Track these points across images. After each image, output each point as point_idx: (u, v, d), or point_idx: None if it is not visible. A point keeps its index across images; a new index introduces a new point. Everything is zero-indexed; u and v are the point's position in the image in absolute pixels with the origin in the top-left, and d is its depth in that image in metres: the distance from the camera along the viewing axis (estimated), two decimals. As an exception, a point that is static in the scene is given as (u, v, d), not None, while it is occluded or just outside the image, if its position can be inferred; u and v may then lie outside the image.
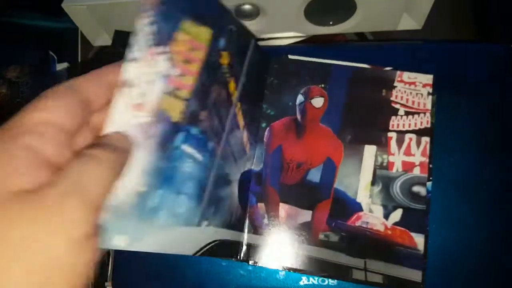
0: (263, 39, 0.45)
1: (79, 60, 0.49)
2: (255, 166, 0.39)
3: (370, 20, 0.43)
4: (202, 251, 0.32)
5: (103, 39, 0.46)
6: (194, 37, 0.31)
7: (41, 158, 0.20)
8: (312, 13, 0.42)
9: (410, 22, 0.43)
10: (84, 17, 0.42)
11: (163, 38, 0.28)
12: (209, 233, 0.33)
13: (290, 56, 0.41)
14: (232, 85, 0.36)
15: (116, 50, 0.44)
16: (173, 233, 0.30)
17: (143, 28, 0.27)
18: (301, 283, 0.38)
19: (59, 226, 0.18)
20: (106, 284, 0.43)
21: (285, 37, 0.45)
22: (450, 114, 0.39)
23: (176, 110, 0.30)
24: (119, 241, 0.26)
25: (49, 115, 0.21)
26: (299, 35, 0.44)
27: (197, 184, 0.32)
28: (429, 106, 0.39)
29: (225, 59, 0.35)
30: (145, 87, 0.27)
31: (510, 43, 0.41)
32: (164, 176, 0.29)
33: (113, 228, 0.26)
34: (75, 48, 0.49)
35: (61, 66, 0.47)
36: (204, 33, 0.32)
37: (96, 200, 0.20)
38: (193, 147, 0.32)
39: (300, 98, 0.40)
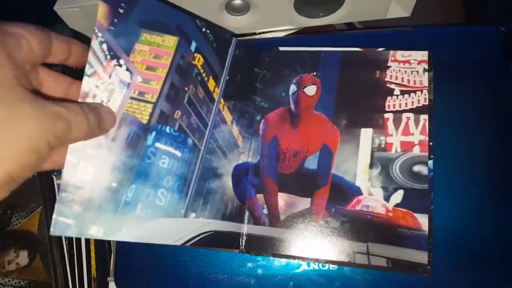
0: (255, 34, 0.45)
1: None
2: (252, 158, 0.40)
3: (359, 10, 0.43)
4: (192, 241, 0.34)
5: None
6: (157, 45, 0.34)
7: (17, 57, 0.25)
8: (302, 6, 0.42)
9: (398, 10, 0.42)
10: (77, 19, 0.44)
11: (119, 52, 0.31)
12: (199, 224, 0.35)
13: (280, 48, 0.42)
14: (211, 83, 0.37)
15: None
16: (155, 224, 0.33)
17: (97, 47, 0.30)
18: (301, 269, 0.38)
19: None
20: (108, 279, 0.45)
21: (277, 30, 0.46)
22: (447, 92, 0.38)
23: (145, 113, 0.33)
24: (95, 231, 0.30)
25: (25, 34, 0.25)
26: (289, 28, 0.45)
27: (178, 178, 0.34)
28: (426, 83, 0.38)
29: (199, 60, 0.37)
30: (105, 95, 0.30)
31: (499, 25, 0.39)
32: (137, 172, 0.32)
33: (87, 220, 0.29)
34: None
35: None
36: (169, 40, 0.34)
37: None
38: (169, 144, 0.34)
39: (293, 88, 0.41)
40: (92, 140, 0.29)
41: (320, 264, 0.38)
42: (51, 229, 0.28)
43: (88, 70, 0.29)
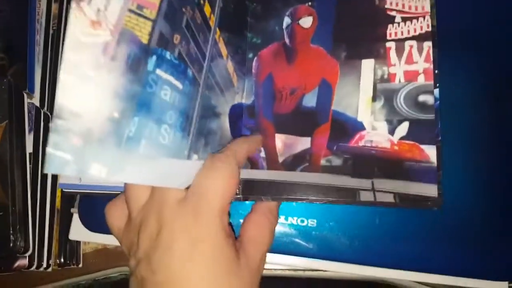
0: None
1: None
2: (246, 99, 0.37)
3: None
4: (194, 186, 0.31)
5: None
6: None
7: None
8: None
9: None
10: None
11: None
12: (200, 166, 0.32)
13: (271, -21, 0.39)
14: (207, 9, 0.34)
15: None
16: (159, 165, 0.29)
17: None
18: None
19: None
20: (72, 210, 0.42)
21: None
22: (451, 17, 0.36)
23: (144, 31, 0.28)
24: (96, 170, 0.25)
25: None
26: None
27: (180, 114, 0.31)
28: (428, 8, 0.35)
29: None
30: (101, 2, 0.25)
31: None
32: (138, 102, 0.28)
33: (88, 156, 0.25)
34: None
35: None
36: None
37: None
38: (169, 73, 0.30)
39: (286, 20, 0.38)
40: (91, 56, 0.25)
41: (299, 220, 0.37)
42: (46, 165, 0.23)
43: None
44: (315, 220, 0.39)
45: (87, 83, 0.25)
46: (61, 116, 0.23)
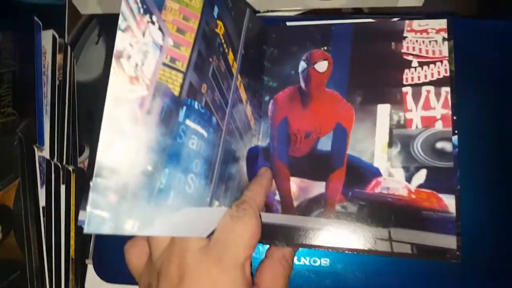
0: (259, 12, 0.43)
1: (66, 29, 0.47)
2: (262, 141, 0.37)
3: None
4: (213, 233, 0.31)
5: (91, 7, 0.45)
6: (186, 5, 0.30)
7: None
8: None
9: None
10: None
11: (152, 6, 0.27)
12: (221, 214, 0.32)
13: (288, 23, 0.39)
14: (231, 56, 0.34)
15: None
16: (184, 214, 0.29)
17: None
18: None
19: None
20: (86, 261, 0.42)
21: (281, 10, 0.43)
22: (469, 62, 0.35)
23: (176, 83, 0.29)
24: (130, 226, 0.25)
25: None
26: (296, 9, 0.42)
27: (204, 161, 0.31)
28: (445, 53, 0.35)
29: (220, 29, 0.33)
30: (140, 57, 0.26)
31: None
32: (169, 153, 0.28)
33: (123, 212, 0.25)
34: (62, 16, 0.47)
35: (46, 34, 0.44)
36: (195, 1, 0.31)
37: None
38: (197, 122, 0.30)
39: (302, 64, 0.38)
40: (129, 111, 0.25)
41: (312, 260, 0.36)
42: (85, 227, 0.23)
43: (121, 23, 0.25)
44: (328, 260, 0.38)
45: (124, 138, 0.25)
46: (101, 174, 0.24)
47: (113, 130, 0.25)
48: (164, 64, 0.28)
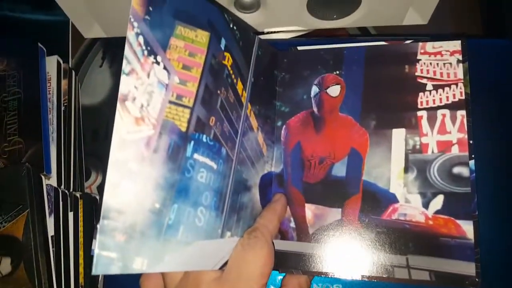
0: (263, 33, 0.42)
1: (70, 53, 0.47)
2: (275, 167, 0.37)
3: (375, 14, 0.40)
4: (226, 264, 0.31)
5: (94, 31, 0.45)
6: (191, 41, 0.30)
7: None
8: (315, 6, 0.39)
9: (415, 16, 0.40)
10: (76, 7, 0.41)
11: (156, 47, 0.27)
12: (233, 244, 0.31)
13: (299, 47, 0.38)
14: (240, 86, 0.34)
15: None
16: (195, 248, 0.29)
17: (134, 39, 0.26)
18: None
19: None
20: None
21: (285, 31, 0.43)
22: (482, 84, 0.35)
23: (183, 119, 0.29)
24: (139, 264, 0.25)
25: None
26: (300, 29, 0.42)
27: (215, 193, 0.31)
28: (460, 75, 0.35)
29: (228, 60, 0.33)
30: (145, 98, 0.26)
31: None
32: (178, 189, 0.28)
33: (131, 251, 0.25)
34: (66, 40, 0.47)
35: (50, 59, 0.44)
36: (201, 36, 0.31)
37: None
38: (205, 155, 0.30)
39: (314, 89, 0.37)
40: (136, 152, 0.25)
41: (324, 286, 0.37)
42: (94, 269, 0.23)
43: (125, 67, 0.25)
44: (340, 285, 0.38)
45: (131, 178, 0.25)
46: (108, 216, 0.24)
47: (119, 171, 0.25)
48: (171, 102, 0.28)
